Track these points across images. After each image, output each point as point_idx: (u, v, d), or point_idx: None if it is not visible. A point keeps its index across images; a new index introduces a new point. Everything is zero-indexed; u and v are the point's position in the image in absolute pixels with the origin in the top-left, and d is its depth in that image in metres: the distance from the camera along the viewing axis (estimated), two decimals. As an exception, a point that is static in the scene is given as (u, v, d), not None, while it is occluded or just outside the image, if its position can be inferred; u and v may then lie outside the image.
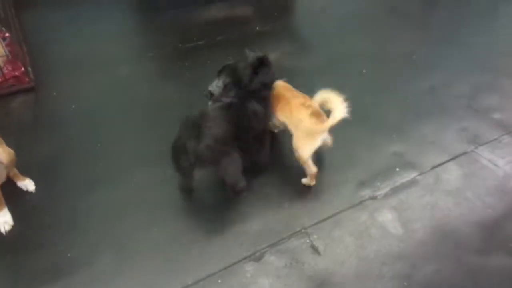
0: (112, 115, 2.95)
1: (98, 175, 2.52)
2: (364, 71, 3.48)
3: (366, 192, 2.48)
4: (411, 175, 2.59)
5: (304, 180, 2.48)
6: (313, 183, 2.47)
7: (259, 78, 2.33)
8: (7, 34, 3.39)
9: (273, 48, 3.62)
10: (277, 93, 2.45)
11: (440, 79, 3.43)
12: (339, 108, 2.14)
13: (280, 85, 2.51)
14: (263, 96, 2.39)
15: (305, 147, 2.32)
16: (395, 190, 2.50)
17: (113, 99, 3.09)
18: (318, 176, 2.47)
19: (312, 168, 2.40)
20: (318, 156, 2.65)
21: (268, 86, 2.41)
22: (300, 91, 2.51)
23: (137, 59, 3.51)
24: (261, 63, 2.36)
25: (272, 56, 2.95)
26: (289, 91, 2.48)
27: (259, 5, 3.77)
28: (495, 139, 2.86)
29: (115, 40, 3.74)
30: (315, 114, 2.27)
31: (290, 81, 2.60)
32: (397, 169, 2.62)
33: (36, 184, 2.44)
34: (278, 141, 2.75)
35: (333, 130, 2.27)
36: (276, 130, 2.74)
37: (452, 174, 2.61)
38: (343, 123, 2.10)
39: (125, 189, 2.44)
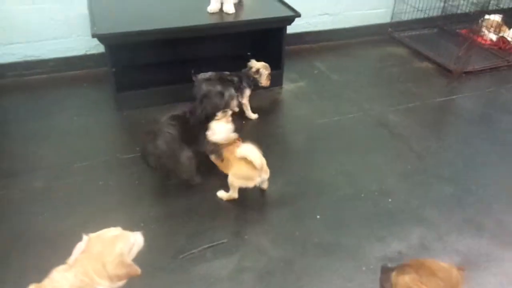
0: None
1: None
2: (318, 216, 2.73)
3: None
4: None
5: (220, 193, 2.81)
6: (225, 199, 2.80)
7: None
8: None
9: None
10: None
11: (417, 239, 2.58)
12: (256, 157, 2.57)
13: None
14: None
15: (239, 183, 2.71)
16: None
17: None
18: None
19: (234, 195, 2.76)
20: None
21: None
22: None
23: (60, 168, 3.00)
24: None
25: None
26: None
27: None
28: None
29: (52, 142, 3.27)
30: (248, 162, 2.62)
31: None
32: None
33: None
34: None
35: None
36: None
37: None
38: None
39: None
